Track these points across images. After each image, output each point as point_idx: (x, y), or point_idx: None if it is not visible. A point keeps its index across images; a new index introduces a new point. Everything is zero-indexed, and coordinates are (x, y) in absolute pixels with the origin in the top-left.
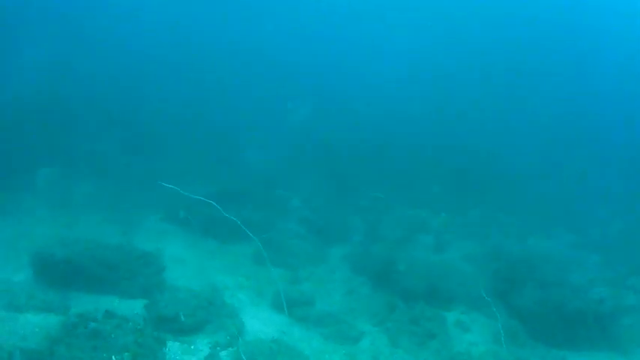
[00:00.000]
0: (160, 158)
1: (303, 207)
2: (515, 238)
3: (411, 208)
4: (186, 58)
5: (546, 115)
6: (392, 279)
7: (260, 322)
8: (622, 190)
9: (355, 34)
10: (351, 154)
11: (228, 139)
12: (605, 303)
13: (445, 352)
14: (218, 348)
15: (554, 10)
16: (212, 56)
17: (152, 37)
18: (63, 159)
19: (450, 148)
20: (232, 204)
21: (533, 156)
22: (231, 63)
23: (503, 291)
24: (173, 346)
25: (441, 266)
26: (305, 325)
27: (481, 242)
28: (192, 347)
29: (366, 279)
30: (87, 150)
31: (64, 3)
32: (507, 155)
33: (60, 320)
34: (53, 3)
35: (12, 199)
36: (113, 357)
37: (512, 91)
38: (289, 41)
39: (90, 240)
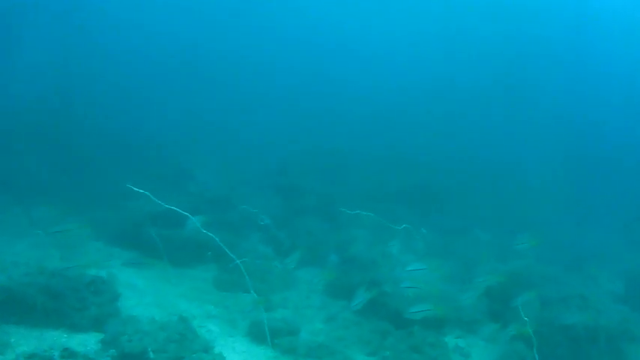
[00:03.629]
0: (100, 177)
1: (268, 225)
2: (494, 256)
3: (384, 224)
4: (127, 71)
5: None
6: (376, 302)
7: (242, 357)
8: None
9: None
10: (312, 169)
11: (176, 154)
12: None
13: None
14: None
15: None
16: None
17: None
18: None
19: (411, 162)
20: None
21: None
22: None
23: (499, 311)
24: None
25: (428, 287)
26: (294, 359)
27: (461, 260)
28: None
29: (346, 303)
30: (17, 168)
31: None
32: (479, 170)
33: None
34: None
35: None
36: None
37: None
38: (240, 50)
39: (30, 264)
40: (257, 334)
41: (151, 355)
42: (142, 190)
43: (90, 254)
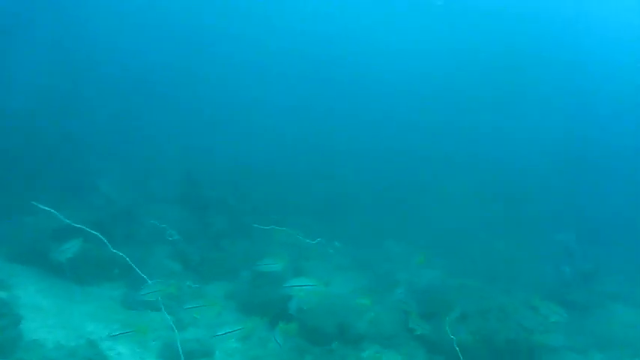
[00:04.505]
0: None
1: (177, 241)
2: (406, 269)
3: (291, 237)
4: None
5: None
6: (291, 319)
7: None
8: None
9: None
10: (219, 181)
11: (81, 166)
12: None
13: None
14: None
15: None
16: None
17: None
18: None
19: (315, 172)
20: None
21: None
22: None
23: (415, 327)
24: None
25: (342, 301)
26: None
27: (373, 273)
28: None
29: (260, 320)
30: None
31: None
32: (389, 180)
33: None
34: None
35: None
36: None
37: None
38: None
39: None
40: (169, 356)
41: None
42: (47, 208)
43: None
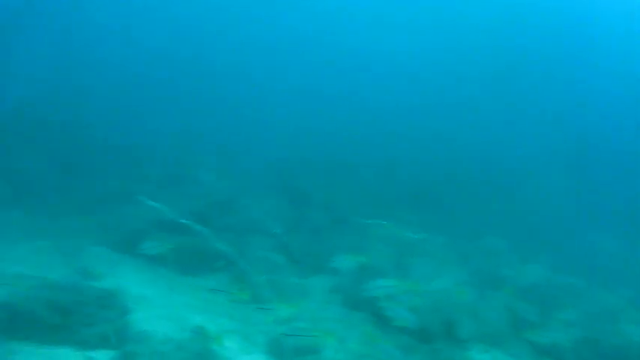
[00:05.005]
0: (103, 179)
1: (279, 234)
2: (508, 264)
3: (395, 230)
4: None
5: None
6: (397, 316)
7: None
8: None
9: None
10: (316, 173)
11: (177, 159)
12: None
13: None
14: None
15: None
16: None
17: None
18: None
19: (406, 165)
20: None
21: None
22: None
23: (522, 327)
24: None
25: (447, 297)
26: None
27: (475, 268)
28: None
29: (365, 315)
30: (15, 170)
31: None
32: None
33: None
34: None
35: None
36: None
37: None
38: (242, 51)
39: (34, 277)
40: (277, 351)
41: None
42: (152, 203)
43: (93, 262)
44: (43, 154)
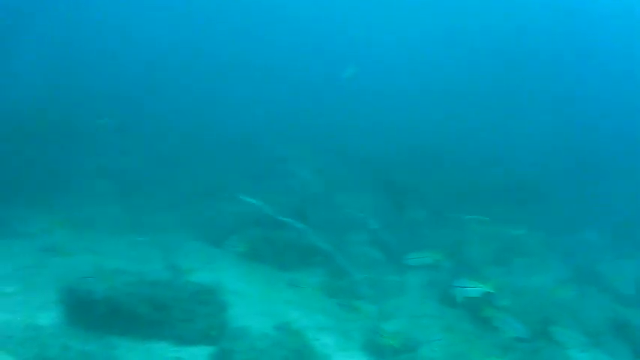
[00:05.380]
0: (196, 173)
1: (374, 227)
2: (607, 260)
3: (493, 225)
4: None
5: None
6: (494, 312)
7: None
8: None
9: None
10: (410, 167)
11: (271, 153)
12: None
13: None
14: None
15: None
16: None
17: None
18: (80, 175)
19: (506, 159)
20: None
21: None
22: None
23: (622, 326)
24: None
25: (546, 294)
26: None
27: (574, 264)
28: None
29: (462, 311)
30: (108, 166)
31: None
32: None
33: None
34: None
35: (25, 220)
36: None
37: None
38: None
39: (132, 272)
40: (374, 348)
41: None
42: (252, 200)
43: (190, 257)
44: (140, 150)
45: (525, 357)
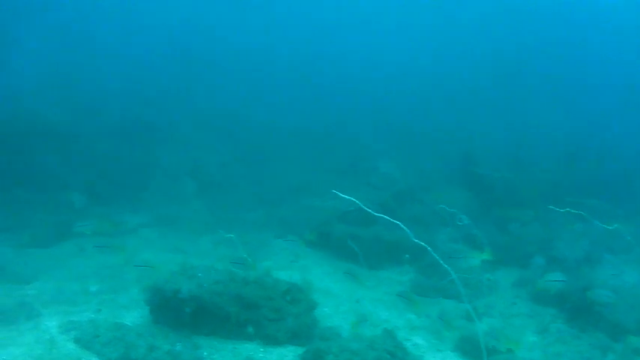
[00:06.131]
0: (280, 170)
1: (467, 225)
2: None
3: (585, 220)
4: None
5: None
6: (591, 311)
7: None
8: None
9: None
10: (501, 163)
11: (355, 149)
12: None
13: None
14: None
15: None
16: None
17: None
18: (164, 173)
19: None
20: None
21: None
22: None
23: None
24: None
25: None
26: None
27: None
28: None
29: (556, 311)
30: (189, 162)
31: None
32: None
33: None
34: None
35: (109, 215)
36: None
37: None
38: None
39: (219, 270)
40: (467, 349)
41: None
42: (348, 197)
43: (277, 255)
44: (225, 147)
45: (622, 358)
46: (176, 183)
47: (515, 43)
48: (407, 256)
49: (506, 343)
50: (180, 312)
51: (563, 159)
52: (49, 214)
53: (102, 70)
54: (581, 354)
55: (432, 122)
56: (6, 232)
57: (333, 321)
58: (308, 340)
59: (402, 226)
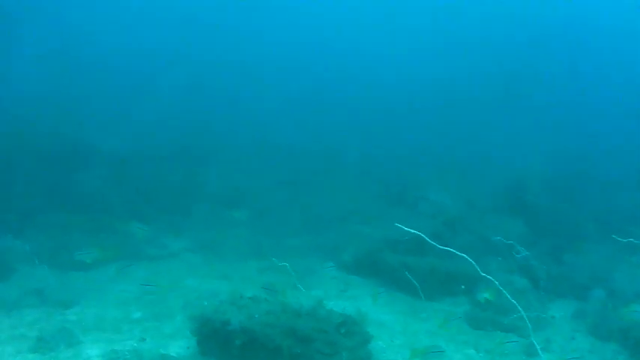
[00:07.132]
0: (327, 196)
1: (519, 253)
2: None
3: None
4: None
5: None
6: None
7: None
8: None
9: None
10: (555, 191)
11: (408, 177)
12: None
13: None
14: None
15: None
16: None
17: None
18: (208, 199)
19: None
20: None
21: None
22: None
23: None
24: None
25: None
26: None
27: None
28: None
29: (618, 347)
30: (233, 187)
31: None
32: None
33: None
34: None
35: (153, 242)
36: None
37: None
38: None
39: (270, 300)
40: None
41: None
42: (413, 231)
43: (326, 284)
44: (270, 172)
45: None
46: (220, 208)
47: (567, 67)
48: (463, 287)
49: None
50: (230, 344)
51: (618, 186)
52: (91, 236)
53: (149, 96)
54: None
55: (477, 149)
56: (46, 255)
57: (387, 355)
58: None
59: (470, 259)
